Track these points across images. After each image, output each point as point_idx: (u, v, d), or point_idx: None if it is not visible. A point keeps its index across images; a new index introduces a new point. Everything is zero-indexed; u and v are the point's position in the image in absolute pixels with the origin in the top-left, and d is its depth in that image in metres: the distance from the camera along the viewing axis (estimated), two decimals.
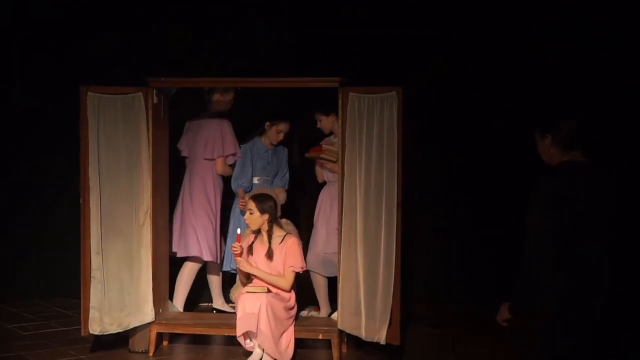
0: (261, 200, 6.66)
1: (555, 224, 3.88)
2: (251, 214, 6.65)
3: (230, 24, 8.24)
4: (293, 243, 6.69)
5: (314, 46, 8.23)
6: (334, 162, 7.08)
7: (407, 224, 6.67)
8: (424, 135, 8.13)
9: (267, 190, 7.06)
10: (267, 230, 6.68)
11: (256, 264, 6.69)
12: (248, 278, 6.75)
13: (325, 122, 7.39)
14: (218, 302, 7.73)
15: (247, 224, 6.76)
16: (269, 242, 6.68)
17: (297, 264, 6.66)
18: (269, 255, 6.64)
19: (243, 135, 7.62)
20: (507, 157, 7.96)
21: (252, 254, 6.73)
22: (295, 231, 7.03)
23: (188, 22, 8.20)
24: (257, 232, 6.74)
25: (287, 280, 6.64)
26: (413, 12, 8.11)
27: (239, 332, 6.53)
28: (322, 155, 7.33)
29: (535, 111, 6.84)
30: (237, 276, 7.11)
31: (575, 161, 4.03)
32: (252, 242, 6.75)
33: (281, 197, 7.21)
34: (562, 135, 4.04)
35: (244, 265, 6.63)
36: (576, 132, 4.03)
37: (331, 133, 7.38)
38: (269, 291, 6.56)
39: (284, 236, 6.72)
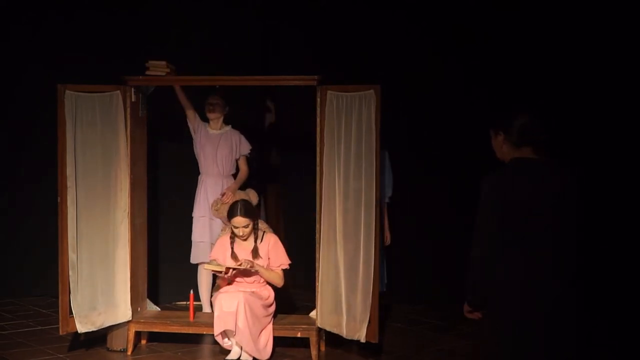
0: (249, 210, 6.69)
1: (500, 218, 3.92)
2: (246, 227, 6.67)
3: (210, 22, 8.24)
4: (276, 242, 6.79)
5: (293, 44, 8.26)
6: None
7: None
8: (416, 134, 8.19)
9: (242, 194, 7.09)
10: (252, 233, 6.76)
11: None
12: (229, 284, 6.76)
13: None
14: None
15: (241, 238, 6.74)
16: (255, 242, 6.75)
17: (286, 261, 6.79)
18: (255, 254, 6.69)
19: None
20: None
21: (237, 259, 6.73)
22: (270, 229, 7.04)
23: (167, 20, 8.19)
24: (233, 236, 6.77)
25: (282, 278, 6.77)
26: (407, 12, 8.14)
27: (216, 330, 6.53)
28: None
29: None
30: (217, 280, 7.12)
31: (525, 158, 4.07)
32: (232, 248, 6.76)
33: (254, 199, 7.24)
34: (514, 132, 4.07)
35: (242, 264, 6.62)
36: (527, 129, 4.06)
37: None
38: (226, 272, 6.55)
39: (262, 235, 6.77)
